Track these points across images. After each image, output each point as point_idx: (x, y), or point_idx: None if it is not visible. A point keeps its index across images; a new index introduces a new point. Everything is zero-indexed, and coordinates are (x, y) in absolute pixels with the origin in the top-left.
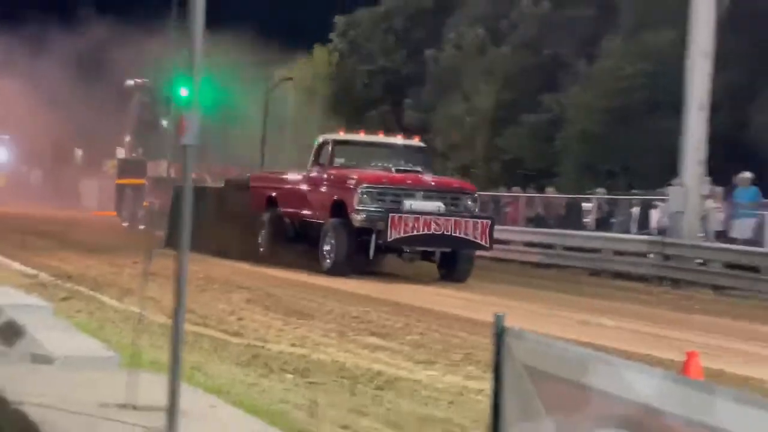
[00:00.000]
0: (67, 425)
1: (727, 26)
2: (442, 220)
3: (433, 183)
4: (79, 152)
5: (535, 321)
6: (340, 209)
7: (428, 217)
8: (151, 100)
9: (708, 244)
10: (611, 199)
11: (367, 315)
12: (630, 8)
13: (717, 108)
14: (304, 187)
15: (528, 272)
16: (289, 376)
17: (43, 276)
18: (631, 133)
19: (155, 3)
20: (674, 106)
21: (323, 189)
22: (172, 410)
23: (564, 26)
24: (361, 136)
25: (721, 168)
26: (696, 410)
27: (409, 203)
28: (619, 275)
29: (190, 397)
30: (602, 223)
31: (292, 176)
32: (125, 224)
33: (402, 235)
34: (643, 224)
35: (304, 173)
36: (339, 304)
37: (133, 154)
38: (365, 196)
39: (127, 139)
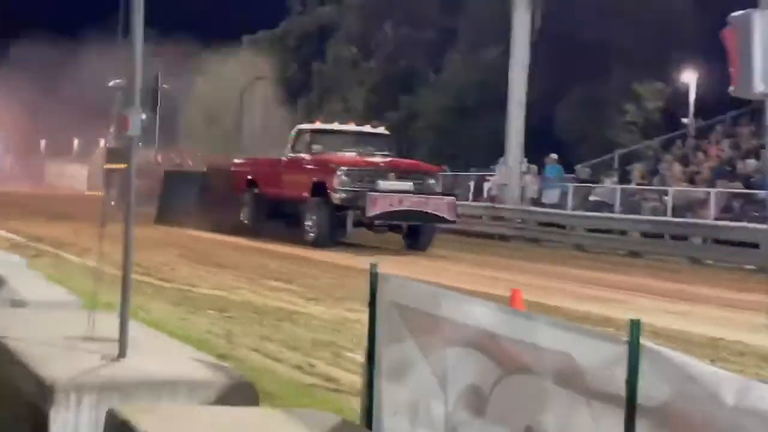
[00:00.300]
0: (39, 353)
1: (539, 42)
2: (415, 197)
3: (403, 165)
4: (43, 142)
5: (401, 267)
6: (320, 189)
7: (402, 195)
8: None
9: (526, 208)
10: (454, 174)
11: (271, 265)
12: (466, 30)
13: (533, 106)
14: (284, 170)
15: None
16: (211, 312)
17: (21, 239)
18: (469, 125)
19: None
20: (501, 104)
21: (304, 172)
22: (122, 340)
23: (417, 44)
24: (336, 126)
25: (535, 151)
26: (519, 332)
27: (384, 183)
28: (461, 233)
29: (135, 330)
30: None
31: (273, 160)
32: (113, 203)
33: (380, 211)
34: (478, 193)
35: (284, 158)
36: (252, 258)
37: (119, 144)
38: (345, 177)
39: (112, 130)
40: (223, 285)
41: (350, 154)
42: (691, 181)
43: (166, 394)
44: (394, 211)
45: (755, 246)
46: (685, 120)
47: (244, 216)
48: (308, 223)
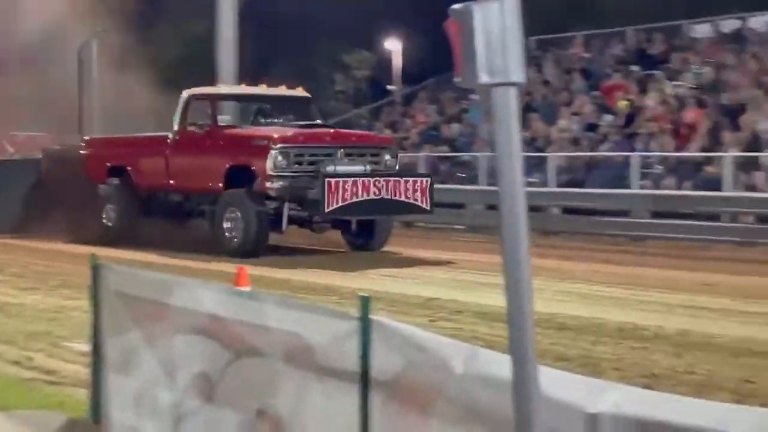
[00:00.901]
0: None
1: (246, 15)
2: (382, 181)
3: (353, 138)
4: None
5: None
6: (241, 176)
7: (366, 179)
8: None
9: None
10: None
11: None
12: (171, 3)
13: (243, 79)
14: (174, 151)
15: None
16: None
17: None
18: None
19: None
20: (211, 78)
21: (212, 152)
22: None
23: (117, 16)
24: (243, 89)
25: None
26: (247, 314)
27: (332, 165)
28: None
29: None
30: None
31: (151, 139)
32: None
33: (342, 203)
34: None
35: (172, 135)
36: None
37: None
38: (281, 158)
39: None
40: None
41: (278, 126)
42: (401, 147)
43: None
44: (360, 202)
45: (462, 206)
46: (391, 87)
47: (108, 217)
48: (226, 224)
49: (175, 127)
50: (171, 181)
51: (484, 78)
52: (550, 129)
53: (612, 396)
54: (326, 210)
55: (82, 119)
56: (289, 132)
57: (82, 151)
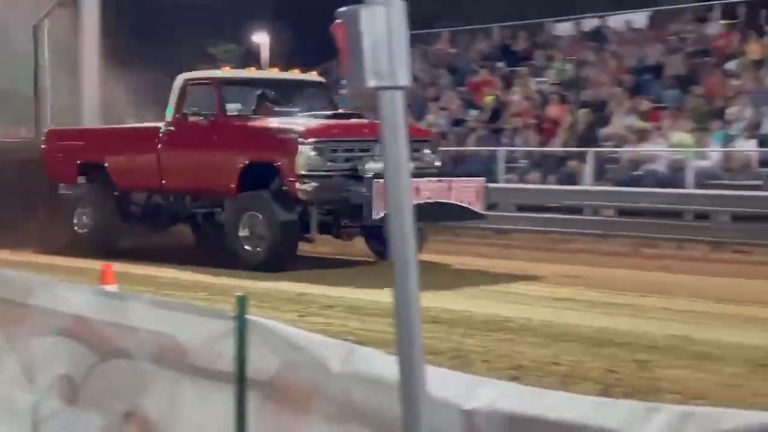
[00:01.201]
0: None
1: (107, 7)
2: (434, 183)
3: None
4: None
5: None
6: (256, 176)
7: (416, 181)
8: None
9: None
10: None
11: None
12: None
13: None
14: (169, 145)
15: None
16: None
17: None
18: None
19: None
20: (72, 71)
21: (221, 148)
22: None
23: None
24: (252, 73)
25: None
26: (115, 315)
27: (372, 162)
28: None
29: None
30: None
31: (139, 130)
32: None
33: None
34: None
35: (165, 125)
36: None
37: None
38: (315, 155)
39: None
40: None
41: (300, 117)
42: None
43: None
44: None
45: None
46: None
47: (80, 223)
48: (243, 233)
49: (169, 117)
50: (163, 181)
51: (371, 81)
52: (418, 124)
53: (485, 391)
54: (375, 217)
55: (38, 109)
56: (319, 124)
57: (42, 146)
